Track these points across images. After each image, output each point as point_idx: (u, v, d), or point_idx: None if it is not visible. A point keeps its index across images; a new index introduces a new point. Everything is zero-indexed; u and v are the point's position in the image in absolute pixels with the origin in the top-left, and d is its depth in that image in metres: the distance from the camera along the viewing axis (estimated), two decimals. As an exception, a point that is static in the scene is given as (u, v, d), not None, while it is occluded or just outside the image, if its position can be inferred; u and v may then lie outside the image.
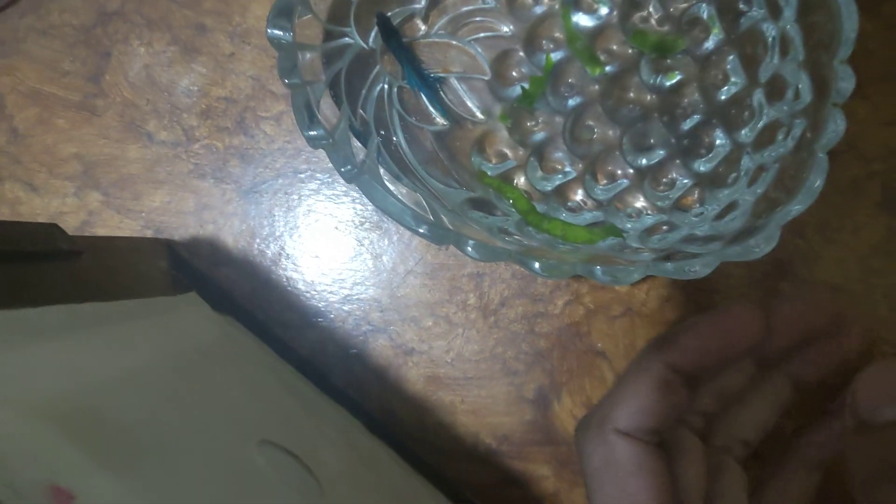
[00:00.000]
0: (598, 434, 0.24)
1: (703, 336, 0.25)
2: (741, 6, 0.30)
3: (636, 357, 0.26)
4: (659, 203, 0.31)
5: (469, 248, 0.28)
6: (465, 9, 0.31)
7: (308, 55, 0.28)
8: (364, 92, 0.31)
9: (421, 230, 0.28)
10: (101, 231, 0.34)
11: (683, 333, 0.26)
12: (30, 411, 0.15)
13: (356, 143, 0.29)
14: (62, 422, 0.15)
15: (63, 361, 0.19)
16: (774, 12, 0.29)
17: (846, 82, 0.26)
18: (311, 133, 0.28)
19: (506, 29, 0.31)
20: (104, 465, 0.16)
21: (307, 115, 0.27)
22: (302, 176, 0.34)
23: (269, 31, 0.27)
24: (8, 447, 0.15)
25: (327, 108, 0.29)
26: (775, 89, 0.29)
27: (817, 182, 0.26)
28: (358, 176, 0.28)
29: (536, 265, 0.28)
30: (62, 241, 0.25)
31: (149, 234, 0.34)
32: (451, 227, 0.29)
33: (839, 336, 0.29)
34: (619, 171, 0.31)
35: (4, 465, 0.15)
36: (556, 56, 0.31)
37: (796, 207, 0.26)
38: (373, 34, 0.31)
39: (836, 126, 0.26)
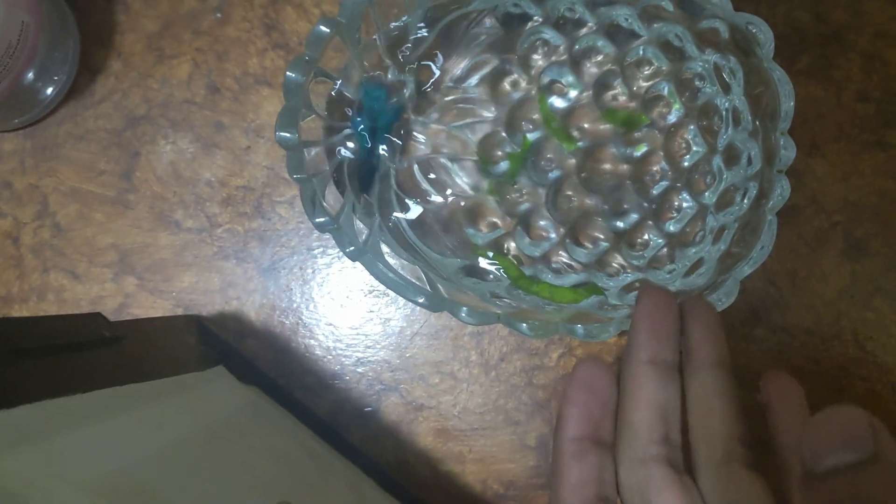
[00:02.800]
0: None
1: (576, 402, 0.26)
2: (696, 83, 0.33)
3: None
4: (635, 262, 0.34)
5: (463, 314, 0.31)
6: (451, 98, 0.35)
7: (313, 150, 0.32)
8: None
9: (420, 300, 0.31)
10: (137, 311, 0.38)
11: (562, 408, 0.27)
12: (86, 489, 0.19)
13: (359, 225, 0.33)
14: (113, 497, 0.19)
15: (110, 441, 0.22)
16: (725, 88, 0.32)
17: (788, 151, 0.29)
18: (318, 220, 0.31)
19: (489, 114, 0.35)
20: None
21: (313, 206, 0.31)
22: (315, 252, 0.38)
23: (277, 134, 0.31)
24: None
25: (331, 196, 0.33)
26: (731, 156, 0.32)
27: (767, 241, 0.29)
28: (361, 255, 0.32)
29: (524, 326, 0.31)
30: (105, 328, 0.29)
31: (179, 311, 0.38)
32: (446, 295, 0.32)
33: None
34: (599, 235, 0.34)
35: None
36: (534, 136, 0.35)
37: (751, 265, 0.29)
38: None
39: (783, 190, 0.29)
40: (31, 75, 0.36)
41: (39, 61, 0.36)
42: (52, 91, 0.38)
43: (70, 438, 0.21)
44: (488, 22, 0.34)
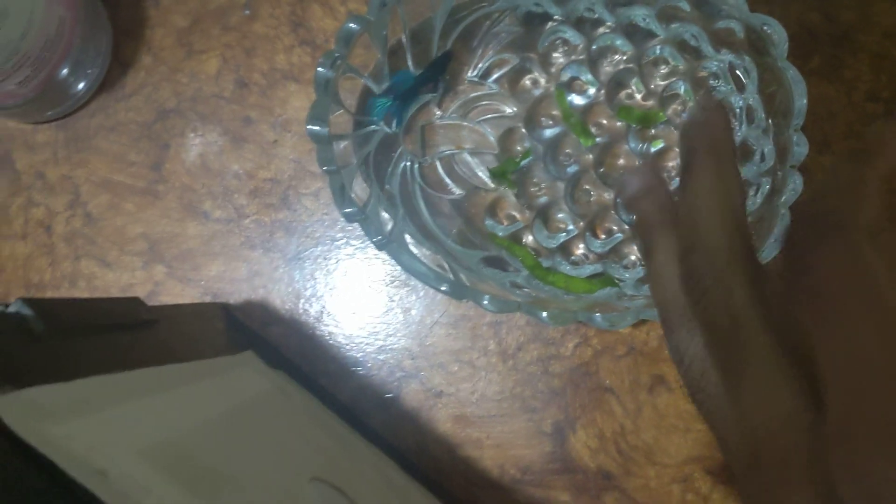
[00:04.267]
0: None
1: None
2: (712, 82, 0.34)
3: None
4: (651, 254, 0.35)
5: (485, 302, 0.32)
6: (473, 94, 0.36)
7: (342, 144, 0.33)
8: (390, 170, 0.36)
9: (442, 288, 0.33)
10: (166, 299, 0.39)
11: None
12: (140, 455, 0.20)
13: (385, 215, 0.34)
14: (164, 462, 0.20)
15: (156, 415, 0.23)
16: (739, 86, 0.33)
17: (800, 147, 0.30)
18: (347, 210, 0.32)
19: (509, 110, 0.36)
20: (198, 495, 0.21)
21: (342, 196, 0.32)
22: (338, 243, 0.39)
23: (308, 127, 0.32)
24: (127, 484, 0.20)
25: (359, 188, 0.34)
26: (745, 152, 0.33)
27: (780, 235, 0.30)
28: (387, 244, 0.33)
29: (544, 314, 0.32)
30: (143, 312, 0.30)
31: (207, 299, 0.39)
32: (468, 283, 0.33)
33: None
34: (615, 227, 0.36)
35: (126, 499, 0.19)
36: (553, 132, 0.36)
37: (764, 257, 0.30)
38: (395, 120, 0.36)
39: (795, 185, 0.30)
40: (65, 69, 0.37)
41: (74, 55, 0.37)
42: (85, 84, 0.39)
43: (121, 410, 0.22)
44: (509, 21, 0.35)
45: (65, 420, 0.20)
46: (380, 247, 0.33)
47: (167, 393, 0.26)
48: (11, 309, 0.23)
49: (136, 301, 0.30)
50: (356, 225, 0.34)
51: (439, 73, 0.36)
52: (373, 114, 0.35)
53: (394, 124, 0.35)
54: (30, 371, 0.21)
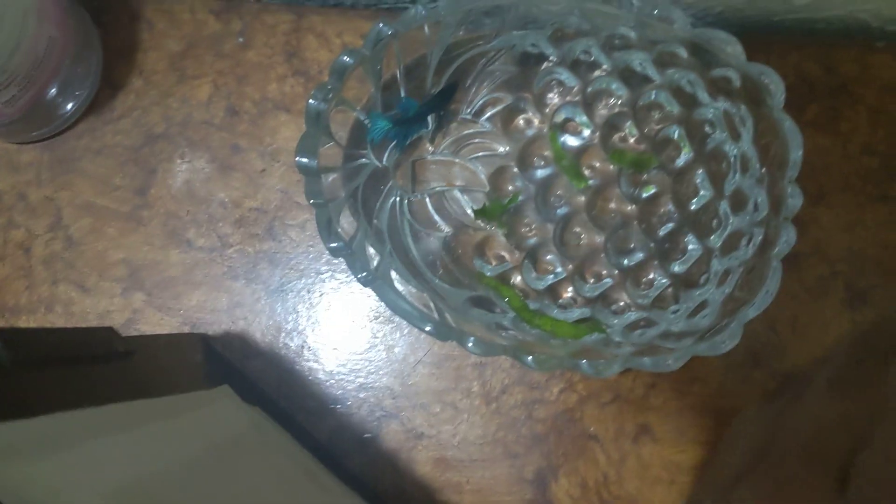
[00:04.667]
0: None
1: None
2: (707, 129, 0.34)
3: None
4: (640, 301, 0.34)
5: (470, 344, 0.31)
6: (466, 132, 0.36)
7: (330, 177, 0.33)
8: (378, 204, 0.35)
9: (427, 328, 0.32)
10: (144, 327, 0.38)
11: None
12: (105, 499, 0.19)
13: (371, 251, 0.33)
14: (128, 506, 0.19)
15: (124, 454, 0.22)
16: (735, 135, 0.33)
17: (794, 199, 0.30)
18: (332, 245, 0.32)
19: (502, 149, 0.36)
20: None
21: (328, 230, 0.32)
22: (323, 276, 0.38)
23: (297, 159, 0.31)
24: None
25: (346, 222, 0.33)
26: (738, 201, 0.33)
27: (772, 287, 0.29)
28: (373, 281, 0.32)
29: (529, 359, 0.31)
30: (117, 343, 0.29)
31: (186, 329, 0.38)
32: (453, 324, 0.32)
33: None
34: (605, 272, 0.35)
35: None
36: (545, 172, 0.35)
37: (755, 309, 0.30)
38: (386, 153, 0.35)
39: (788, 237, 0.30)
40: (53, 90, 0.36)
41: (63, 76, 0.37)
42: (73, 105, 0.38)
43: (87, 449, 0.21)
44: (505, 60, 0.35)
45: (26, 460, 0.19)
46: (365, 283, 0.32)
47: (138, 430, 0.25)
48: (-24, 338, 0.22)
49: (110, 331, 0.30)
50: (342, 259, 0.34)
51: (444, 105, 0.35)
52: (371, 132, 0.34)
53: (388, 151, 0.34)
54: (-9, 405, 0.20)
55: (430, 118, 0.35)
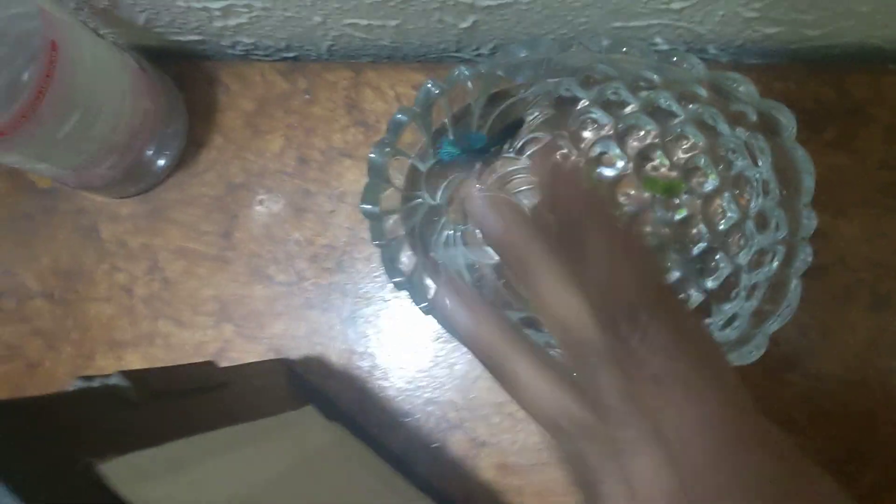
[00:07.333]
0: None
1: None
2: (729, 157, 0.37)
3: None
4: (676, 316, 0.37)
5: (522, 363, 0.35)
6: (510, 168, 0.40)
7: (391, 219, 0.37)
8: (434, 238, 0.39)
9: (483, 350, 0.36)
10: (234, 354, 0.43)
11: None
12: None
13: (428, 282, 0.37)
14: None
15: (233, 472, 0.27)
16: (755, 161, 0.36)
17: (810, 221, 0.33)
18: (396, 280, 0.36)
19: (543, 183, 0.39)
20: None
21: (392, 268, 0.36)
22: (388, 303, 0.42)
23: (361, 206, 0.36)
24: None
25: (405, 257, 0.37)
26: (761, 222, 0.36)
27: (793, 301, 0.32)
28: (432, 310, 0.36)
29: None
30: (217, 374, 0.34)
31: (271, 355, 0.43)
32: (507, 345, 0.36)
33: None
34: (644, 290, 0.38)
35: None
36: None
37: (779, 321, 0.33)
38: (440, 192, 0.39)
39: (806, 255, 0.33)
40: (150, 152, 0.42)
41: (156, 139, 0.42)
42: (164, 163, 0.44)
43: (203, 469, 0.26)
44: (542, 103, 0.39)
45: (159, 482, 0.23)
46: (426, 312, 0.36)
47: (241, 450, 0.29)
48: (112, 381, 0.27)
49: (210, 365, 0.34)
50: (405, 289, 0.38)
51: (508, 138, 0.39)
52: (440, 153, 0.38)
53: (441, 190, 0.38)
54: (127, 436, 0.25)
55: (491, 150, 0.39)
